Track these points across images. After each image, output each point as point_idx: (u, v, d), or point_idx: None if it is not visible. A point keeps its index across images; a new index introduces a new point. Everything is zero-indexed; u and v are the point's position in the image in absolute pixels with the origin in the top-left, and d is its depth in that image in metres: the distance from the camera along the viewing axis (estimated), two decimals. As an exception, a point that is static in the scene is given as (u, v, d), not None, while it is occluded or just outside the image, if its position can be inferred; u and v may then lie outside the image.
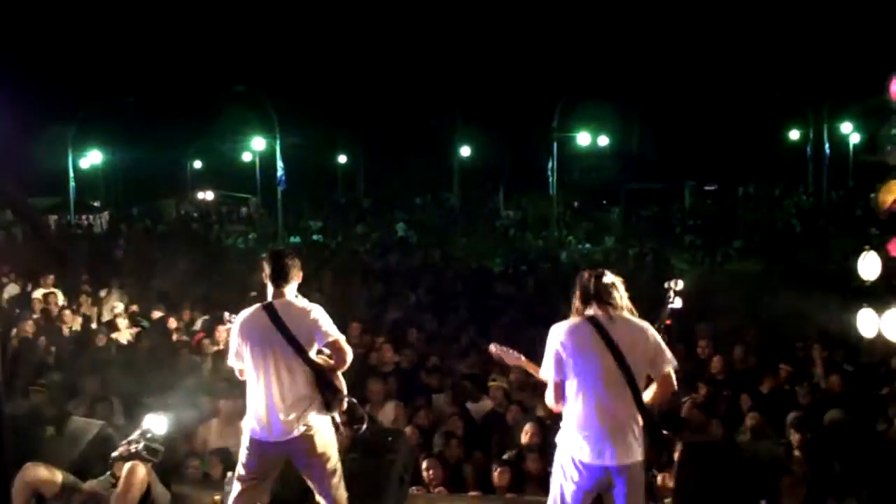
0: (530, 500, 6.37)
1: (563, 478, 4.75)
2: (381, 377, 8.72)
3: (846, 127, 37.11)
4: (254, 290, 12.44)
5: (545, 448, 6.73)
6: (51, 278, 13.51)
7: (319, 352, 5.25)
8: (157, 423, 6.04)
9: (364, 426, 5.43)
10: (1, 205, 25.11)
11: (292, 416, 5.10)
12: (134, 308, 12.58)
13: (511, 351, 5.63)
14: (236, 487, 5.28)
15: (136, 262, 17.46)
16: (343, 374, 5.31)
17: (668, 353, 4.76)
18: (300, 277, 5.32)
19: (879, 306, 7.21)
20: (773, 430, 7.57)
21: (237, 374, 5.35)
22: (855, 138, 37.80)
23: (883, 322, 7.20)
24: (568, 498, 4.75)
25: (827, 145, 32.15)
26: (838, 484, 6.74)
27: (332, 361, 5.23)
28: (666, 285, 5.45)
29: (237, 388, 7.57)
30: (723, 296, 14.07)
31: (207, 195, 41.95)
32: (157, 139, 37.64)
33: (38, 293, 12.98)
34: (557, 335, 4.74)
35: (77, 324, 11.91)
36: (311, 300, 5.40)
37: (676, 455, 6.18)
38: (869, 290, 7.41)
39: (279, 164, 26.46)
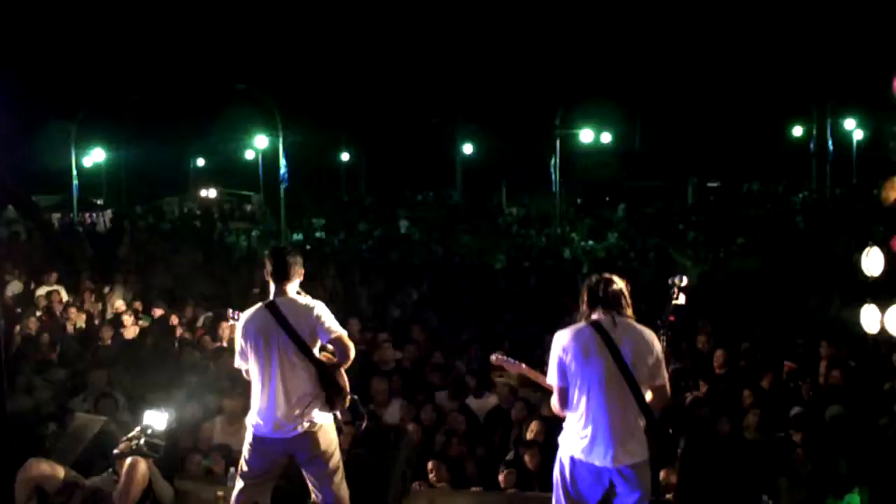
0: (532, 497, 6.37)
1: (566, 479, 4.77)
2: (384, 375, 8.70)
3: (849, 123, 37.05)
4: (256, 287, 12.51)
5: (549, 446, 6.72)
6: (54, 276, 13.51)
7: (322, 349, 5.26)
8: (157, 420, 6.05)
9: (365, 424, 5.44)
10: (3, 201, 25.14)
11: (296, 413, 5.11)
12: (137, 305, 12.58)
13: (512, 360, 5.64)
14: (239, 484, 5.29)
15: (139, 260, 17.46)
16: (345, 371, 5.32)
17: (664, 368, 4.81)
18: (302, 275, 5.33)
19: (883, 302, 7.20)
20: (775, 426, 7.55)
21: (244, 373, 5.35)
22: (858, 135, 37.75)
23: (887, 318, 7.20)
24: (572, 498, 4.75)
25: (830, 142, 32.08)
26: (840, 480, 6.73)
27: (334, 358, 5.23)
28: (669, 281, 5.44)
29: (241, 386, 7.60)
30: (725, 292, 14.06)
31: (210, 193, 41.98)
32: (159, 137, 37.72)
33: (41, 291, 12.98)
34: (560, 341, 4.78)
35: (81, 321, 11.92)
36: (313, 297, 5.40)
37: (679, 451, 6.18)
38: (872, 285, 7.41)
39: (282, 161, 26.44)
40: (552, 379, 4.78)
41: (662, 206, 34.06)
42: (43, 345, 10.40)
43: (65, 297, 12.78)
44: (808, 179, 35.94)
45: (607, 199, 37.95)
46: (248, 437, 5.27)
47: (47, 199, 31.33)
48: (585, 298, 4.83)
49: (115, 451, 5.98)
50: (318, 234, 28.88)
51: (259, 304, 5.29)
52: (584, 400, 4.67)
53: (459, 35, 38.94)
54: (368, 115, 41.20)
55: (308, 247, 23.18)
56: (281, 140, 26.83)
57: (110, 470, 6.05)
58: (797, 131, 39.48)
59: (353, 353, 5.24)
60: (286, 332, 5.10)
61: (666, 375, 4.81)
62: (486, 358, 9.00)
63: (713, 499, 5.81)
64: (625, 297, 4.81)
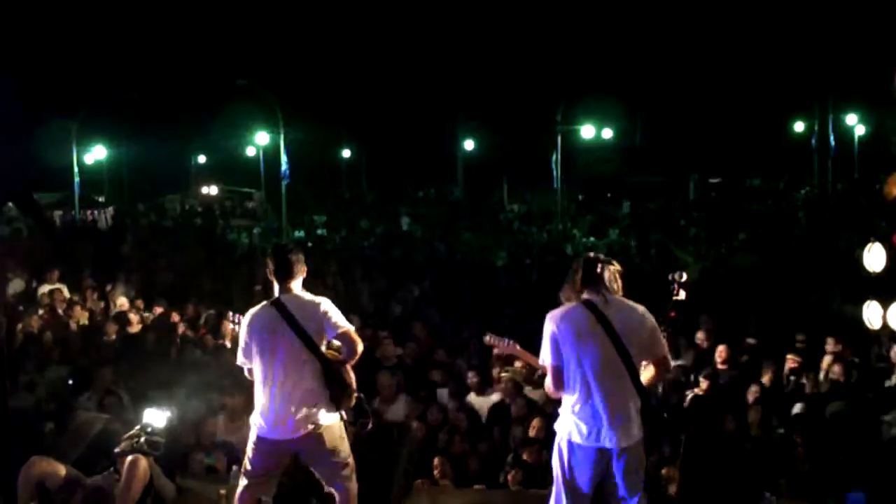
0: (535, 494, 6.36)
1: (563, 462, 4.77)
2: (388, 371, 8.69)
3: (851, 119, 37.00)
4: (258, 284, 12.51)
5: (550, 442, 6.73)
6: (56, 273, 13.51)
7: (328, 346, 5.23)
8: (156, 417, 6.06)
9: (370, 423, 5.41)
10: (3, 198, 25.17)
11: (302, 413, 5.07)
12: (139, 303, 12.60)
13: (505, 340, 5.63)
14: (243, 482, 5.27)
15: (141, 257, 17.47)
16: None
17: (662, 338, 4.80)
18: (305, 272, 5.30)
19: (885, 298, 7.19)
20: (777, 422, 7.56)
21: (246, 373, 5.31)
22: (860, 130, 37.68)
23: (889, 313, 7.18)
24: (569, 481, 4.76)
25: (832, 137, 32.04)
26: (842, 476, 6.73)
27: (339, 355, 5.21)
28: (670, 277, 5.44)
29: (242, 384, 7.60)
30: (727, 288, 14.05)
31: (211, 190, 42.00)
32: (160, 134, 37.72)
33: (43, 288, 12.99)
34: (554, 321, 4.75)
35: (84, 318, 11.93)
36: (315, 294, 5.38)
37: (682, 448, 6.18)
38: (874, 281, 7.39)
39: (283, 158, 26.47)
40: (545, 359, 4.75)
41: (664, 202, 34.05)
42: (45, 342, 10.41)
43: (67, 294, 12.78)
44: (810, 175, 35.91)
45: (609, 195, 37.93)
46: (252, 437, 5.23)
47: (49, 197, 31.35)
48: (581, 275, 4.79)
49: (116, 449, 5.99)
50: (319, 231, 28.89)
51: (264, 303, 5.25)
52: (579, 380, 4.66)
53: (460, 31, 38.93)
54: (370, 112, 41.17)
55: (309, 244, 23.19)
56: (282, 137, 26.84)
57: (111, 469, 6.06)
58: (799, 127, 39.43)
59: (360, 348, 5.20)
60: (293, 329, 5.06)
61: (665, 346, 4.79)
62: (488, 355, 9.07)
63: (715, 495, 5.81)
64: (618, 281, 4.81)
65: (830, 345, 9.33)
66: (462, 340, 10.86)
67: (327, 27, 40.32)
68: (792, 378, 8.81)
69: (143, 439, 5.93)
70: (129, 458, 5.88)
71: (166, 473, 6.34)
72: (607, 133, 36.37)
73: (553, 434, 4.94)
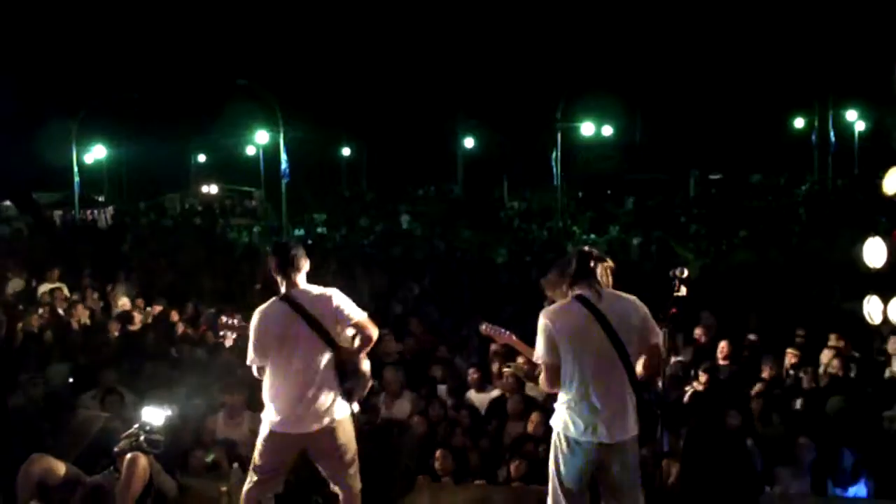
0: (535, 490, 6.35)
1: (560, 457, 4.77)
2: (393, 367, 8.66)
3: (851, 114, 36.99)
4: (258, 283, 12.52)
5: (548, 437, 6.73)
6: (56, 272, 13.52)
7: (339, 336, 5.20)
8: (154, 416, 6.06)
9: (377, 418, 5.39)
10: (4, 198, 25.19)
11: (319, 407, 5.06)
12: (139, 302, 12.61)
13: (501, 330, 5.63)
14: (252, 479, 5.22)
15: (141, 257, 17.48)
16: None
17: (656, 325, 4.79)
18: (308, 265, 5.29)
19: (886, 293, 7.20)
20: (777, 417, 7.55)
21: (255, 372, 5.24)
22: (860, 126, 37.67)
23: (890, 308, 7.19)
24: (565, 477, 4.76)
25: (832, 133, 32.04)
26: (845, 472, 6.73)
27: (353, 346, 5.20)
28: (670, 274, 5.43)
29: (241, 382, 7.60)
30: (727, 284, 14.05)
31: (211, 189, 42.02)
32: (160, 133, 37.72)
33: (43, 287, 13.00)
34: (548, 317, 4.74)
35: (85, 317, 11.94)
36: None
37: (682, 442, 6.18)
38: (874, 277, 7.39)
39: (283, 157, 26.49)
40: (541, 357, 4.74)
41: (664, 198, 34.05)
42: (46, 341, 10.42)
43: (67, 293, 12.79)
44: (810, 171, 35.91)
45: (609, 192, 37.94)
46: (263, 433, 5.18)
47: (49, 197, 31.38)
48: (574, 268, 4.77)
49: (116, 448, 5.99)
50: (319, 230, 28.92)
51: (273, 299, 5.20)
52: (576, 376, 4.65)
53: (460, 29, 38.92)
54: (369, 110, 41.18)
55: (309, 242, 23.20)
56: (282, 135, 26.85)
57: (112, 468, 6.07)
58: (799, 123, 39.43)
59: (376, 335, 5.22)
60: (307, 322, 5.04)
61: (659, 333, 4.78)
62: (488, 352, 9.08)
63: (716, 489, 5.81)
64: (609, 278, 4.80)
65: (833, 340, 9.33)
66: (461, 338, 10.86)
67: (327, 26, 40.33)
68: (791, 373, 8.82)
69: (142, 437, 5.93)
70: (129, 456, 5.88)
71: (167, 471, 6.35)
72: (607, 130, 36.32)
73: (551, 430, 4.94)
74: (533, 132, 35.64)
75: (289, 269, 5.17)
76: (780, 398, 7.89)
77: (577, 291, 4.73)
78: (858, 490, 6.63)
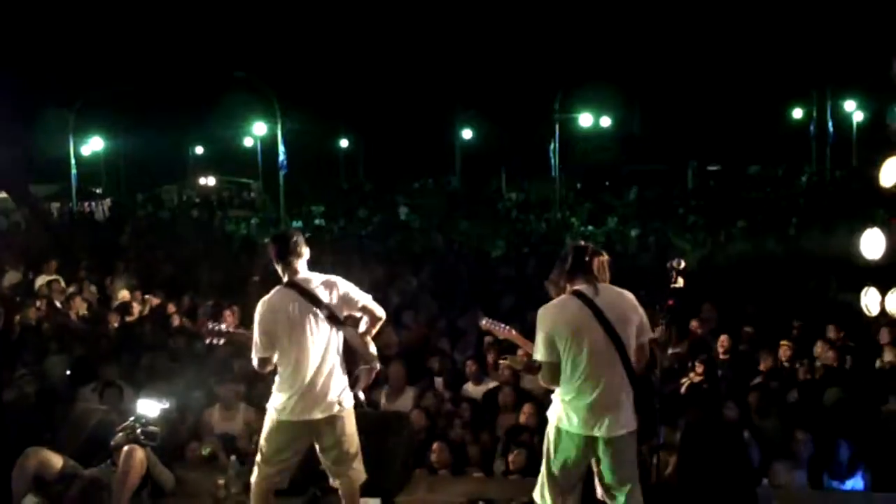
0: (532, 482, 6.35)
1: (553, 448, 4.77)
2: (399, 361, 8.63)
3: (849, 105, 36.95)
4: (256, 275, 12.51)
5: (541, 428, 6.72)
6: (53, 265, 13.49)
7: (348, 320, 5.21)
8: (149, 408, 6.06)
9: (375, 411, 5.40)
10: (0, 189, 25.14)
11: (328, 395, 5.06)
12: (137, 294, 12.58)
13: (501, 325, 5.63)
14: (261, 472, 5.19)
15: (139, 249, 17.45)
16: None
17: (648, 324, 4.80)
18: (308, 253, 5.27)
19: (883, 284, 7.19)
20: (774, 410, 7.56)
21: (256, 365, 5.17)
22: (858, 116, 37.63)
23: (888, 300, 7.19)
24: (558, 468, 4.76)
25: (830, 124, 32.00)
26: (840, 463, 6.73)
27: (361, 328, 5.21)
28: (668, 265, 5.42)
29: (236, 375, 7.60)
30: (725, 276, 14.03)
31: (209, 181, 41.95)
32: (158, 125, 37.61)
33: (41, 280, 12.97)
34: (546, 313, 4.75)
35: (83, 309, 11.92)
36: None
37: (678, 435, 6.18)
38: (872, 268, 7.39)
39: (281, 148, 26.43)
40: (540, 354, 4.74)
41: (662, 190, 34.01)
42: (44, 334, 10.40)
43: (64, 286, 12.76)
44: (808, 162, 35.88)
45: (607, 183, 37.90)
46: (269, 423, 5.16)
47: (46, 189, 31.31)
48: (570, 262, 4.77)
49: (112, 442, 5.99)
50: (317, 222, 28.85)
51: (277, 287, 5.18)
52: (574, 372, 4.65)
53: (457, 21, 38.82)
54: (367, 102, 41.08)
55: (307, 234, 23.11)
56: (279, 127, 26.79)
57: (108, 461, 6.07)
58: (797, 114, 39.40)
59: (383, 315, 5.27)
60: (317, 307, 5.04)
61: (650, 332, 4.81)
62: (483, 344, 9.07)
63: (713, 482, 5.82)
64: (606, 269, 4.80)
65: (832, 332, 9.34)
66: (458, 330, 10.86)
67: (324, 18, 40.20)
68: (786, 365, 8.82)
69: (138, 430, 5.93)
70: (126, 449, 5.89)
71: (165, 464, 6.35)
72: (605, 121, 36.32)
73: (544, 421, 4.94)
74: (531, 123, 35.57)
75: (290, 256, 5.16)
76: (777, 391, 7.90)
77: (575, 287, 4.73)
78: (855, 483, 6.63)
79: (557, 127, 28.93)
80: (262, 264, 11.78)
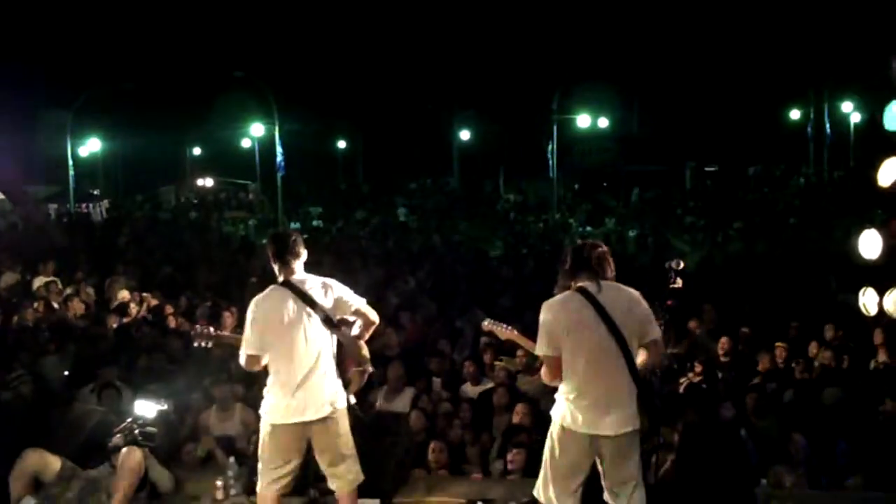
0: (531, 482, 6.34)
1: (556, 447, 4.76)
2: (398, 362, 8.63)
3: (847, 106, 37.00)
4: (254, 276, 12.50)
5: (534, 428, 6.73)
6: (51, 266, 13.48)
7: (342, 322, 5.20)
8: (146, 409, 6.05)
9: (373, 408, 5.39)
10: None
11: (319, 395, 5.03)
12: (136, 296, 12.57)
13: (504, 325, 5.63)
14: (266, 478, 5.14)
15: (137, 250, 17.45)
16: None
17: (655, 322, 4.78)
18: (305, 254, 5.25)
19: (881, 284, 7.19)
20: (772, 410, 7.56)
21: (244, 362, 5.14)
22: (856, 117, 37.67)
23: (886, 300, 7.18)
24: (559, 467, 4.75)
25: (828, 125, 32.04)
26: (838, 463, 6.74)
27: (354, 332, 5.19)
28: (667, 265, 5.43)
29: (231, 375, 7.58)
30: (723, 277, 14.06)
31: (207, 182, 41.93)
32: (155, 126, 37.56)
33: (38, 281, 12.95)
34: (549, 310, 4.74)
35: (81, 310, 11.91)
36: None
37: (677, 436, 6.18)
38: (870, 268, 7.39)
39: (278, 150, 26.43)
40: (542, 349, 4.73)
41: (660, 191, 34.05)
42: (41, 335, 10.38)
43: (61, 287, 12.75)
44: (806, 163, 35.92)
45: (605, 184, 37.93)
46: (265, 428, 5.12)
47: (44, 190, 31.28)
48: (570, 262, 4.78)
49: (110, 444, 5.98)
50: (315, 223, 28.86)
51: (271, 287, 5.16)
52: (576, 368, 4.64)
53: (455, 21, 38.81)
54: (365, 103, 41.07)
55: (305, 235, 23.12)
56: (277, 128, 26.79)
57: (107, 463, 6.06)
58: (795, 115, 39.41)
59: (377, 319, 5.23)
60: (312, 308, 5.01)
61: (658, 331, 4.77)
62: (481, 345, 9.07)
63: (712, 482, 5.82)
64: (608, 261, 4.78)
65: (829, 332, 9.34)
66: (457, 330, 10.86)
67: (322, 18, 40.19)
68: (781, 365, 8.83)
69: (136, 431, 5.92)
70: (123, 450, 5.88)
71: (163, 466, 6.34)
72: (603, 122, 36.33)
73: (540, 421, 4.94)
74: (529, 124, 35.60)
75: (287, 256, 5.15)
76: (774, 391, 7.91)
77: (579, 284, 4.72)
78: (853, 483, 6.63)
79: (555, 128, 28.95)
80: (261, 265, 11.79)
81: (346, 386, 5.20)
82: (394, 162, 42.27)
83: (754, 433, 7.05)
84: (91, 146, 35.30)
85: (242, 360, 5.17)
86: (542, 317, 4.74)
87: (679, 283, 5.38)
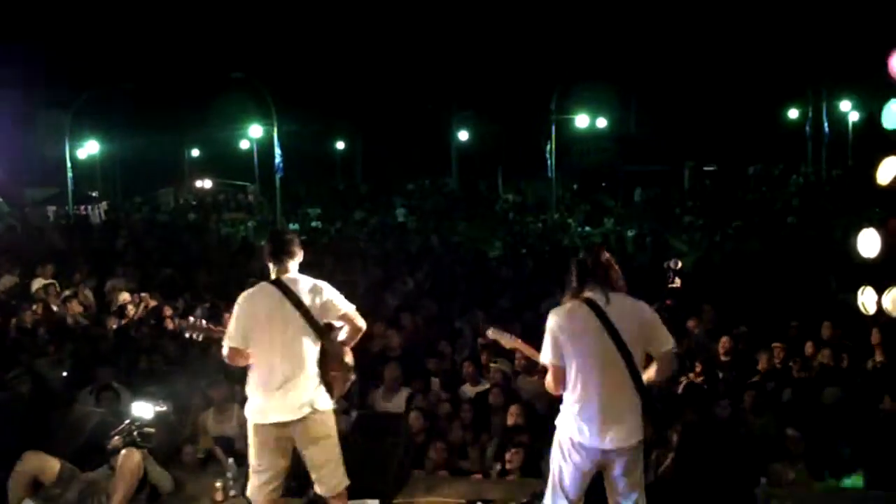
0: (530, 483, 6.35)
1: (563, 459, 4.74)
2: (395, 363, 8.63)
3: (845, 105, 37.03)
4: (253, 277, 12.48)
5: (529, 430, 6.73)
6: (49, 268, 13.47)
7: (329, 328, 5.17)
8: (144, 410, 6.05)
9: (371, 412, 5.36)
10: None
11: (299, 396, 5.00)
12: (135, 297, 12.56)
13: (507, 334, 5.61)
14: (255, 481, 5.14)
15: (136, 252, 17.43)
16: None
17: (667, 333, 4.72)
18: (301, 255, 5.24)
19: (880, 283, 7.20)
20: (770, 409, 7.57)
21: (228, 358, 5.10)
22: (854, 116, 37.71)
23: (884, 299, 7.19)
24: (567, 479, 4.74)
25: (826, 124, 32.06)
26: (840, 462, 6.74)
27: (340, 338, 5.16)
28: (665, 265, 5.43)
29: (228, 376, 7.57)
30: (721, 276, 14.05)
31: (206, 183, 41.92)
32: (154, 128, 37.58)
33: (37, 283, 12.94)
34: (555, 319, 4.71)
35: (80, 312, 11.91)
36: None
37: (676, 435, 6.18)
38: (869, 267, 7.39)
39: (277, 151, 26.43)
40: (547, 358, 4.72)
41: (659, 190, 34.05)
42: (39, 337, 10.38)
43: (59, 289, 12.74)
44: (804, 162, 35.93)
45: (604, 184, 37.93)
46: (251, 430, 5.12)
47: (42, 193, 31.27)
48: (576, 274, 4.75)
49: (109, 446, 5.98)
50: (313, 224, 28.86)
51: (261, 283, 5.14)
52: (581, 380, 4.62)
53: (453, 21, 38.82)
54: (363, 104, 41.07)
55: (304, 236, 23.15)
56: (275, 130, 26.79)
57: (106, 465, 6.06)
58: (793, 114, 39.44)
59: (363, 327, 5.19)
60: (298, 309, 4.99)
61: (671, 343, 4.69)
62: (481, 345, 9.07)
63: (711, 481, 5.82)
64: (614, 268, 4.75)
65: (827, 330, 9.34)
66: (456, 331, 10.85)
67: (321, 19, 40.18)
68: (779, 366, 8.83)
69: (134, 433, 5.91)
70: (123, 452, 5.88)
71: (163, 467, 6.34)
72: (602, 122, 36.33)
73: (534, 422, 4.93)
74: (528, 124, 35.59)
75: (282, 255, 5.13)
76: (772, 390, 7.91)
77: (587, 294, 4.70)
78: (854, 481, 6.63)
79: (554, 128, 28.95)
80: (260, 267, 11.76)
81: (329, 390, 5.14)
82: (392, 162, 42.24)
83: (752, 432, 7.05)
84: (89, 148, 35.33)
85: (225, 352, 5.14)
86: (548, 323, 4.72)
87: (678, 282, 5.40)
